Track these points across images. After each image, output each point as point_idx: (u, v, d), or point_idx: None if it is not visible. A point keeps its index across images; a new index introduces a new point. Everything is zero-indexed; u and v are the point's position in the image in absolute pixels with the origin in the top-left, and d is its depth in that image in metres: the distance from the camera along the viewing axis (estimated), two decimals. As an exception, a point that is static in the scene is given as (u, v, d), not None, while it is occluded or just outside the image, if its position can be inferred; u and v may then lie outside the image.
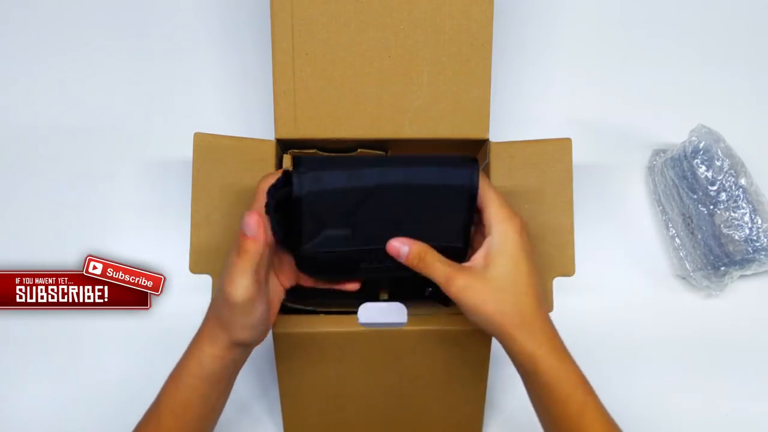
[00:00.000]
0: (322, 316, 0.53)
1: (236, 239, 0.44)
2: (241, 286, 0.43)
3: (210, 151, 0.52)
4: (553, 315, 0.60)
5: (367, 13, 0.52)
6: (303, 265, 0.48)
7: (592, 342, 0.65)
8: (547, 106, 0.69)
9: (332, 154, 0.56)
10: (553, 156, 0.53)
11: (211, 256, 0.52)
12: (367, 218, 0.46)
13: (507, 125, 0.67)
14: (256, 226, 0.43)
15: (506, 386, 0.64)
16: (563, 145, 0.53)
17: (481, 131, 0.54)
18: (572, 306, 0.65)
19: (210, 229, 0.52)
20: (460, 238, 0.48)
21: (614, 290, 0.67)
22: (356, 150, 0.56)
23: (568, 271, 0.53)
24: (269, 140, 0.53)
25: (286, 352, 0.54)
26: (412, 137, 0.53)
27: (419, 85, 0.53)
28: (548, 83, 0.70)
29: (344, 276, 0.50)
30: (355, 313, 0.53)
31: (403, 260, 0.47)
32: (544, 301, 0.48)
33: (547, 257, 0.53)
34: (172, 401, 0.47)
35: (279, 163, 0.55)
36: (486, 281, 0.45)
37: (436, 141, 0.54)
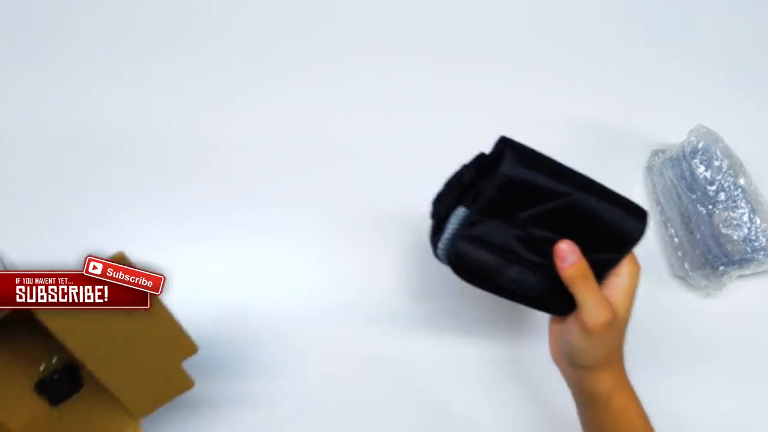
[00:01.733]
0: None
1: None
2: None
3: None
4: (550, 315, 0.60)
5: None
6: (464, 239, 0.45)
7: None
8: (547, 107, 0.69)
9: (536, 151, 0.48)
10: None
11: None
12: (540, 223, 0.45)
13: (507, 125, 0.67)
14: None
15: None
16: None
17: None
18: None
19: None
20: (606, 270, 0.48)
21: (613, 290, 0.67)
22: None
23: (191, 350, 0.49)
24: None
25: None
26: None
27: None
28: (548, 83, 0.70)
29: (492, 266, 0.46)
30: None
31: (563, 265, 0.45)
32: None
33: (166, 353, 0.49)
34: None
35: None
36: (615, 318, 0.46)
37: None
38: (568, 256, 0.45)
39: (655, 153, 0.68)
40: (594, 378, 0.49)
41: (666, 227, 0.67)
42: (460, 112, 0.69)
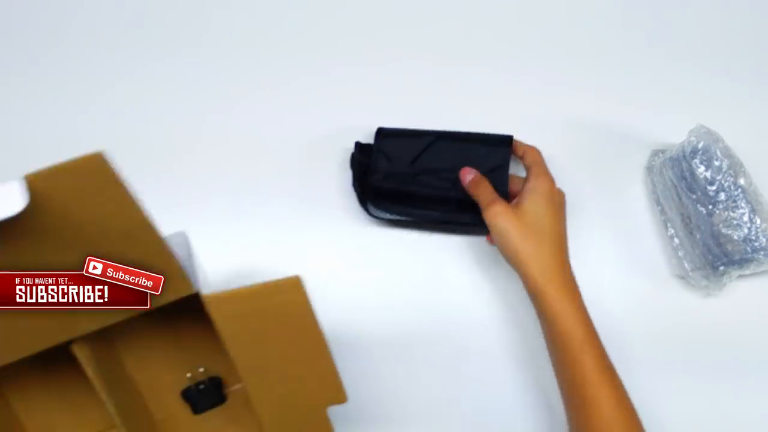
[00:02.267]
0: None
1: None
2: None
3: None
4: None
5: None
6: (373, 194, 0.64)
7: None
8: (546, 107, 0.69)
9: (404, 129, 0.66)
10: (284, 298, 0.44)
11: None
12: (428, 160, 0.64)
13: (507, 126, 0.67)
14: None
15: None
16: (292, 287, 0.44)
17: (185, 289, 0.46)
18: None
19: None
20: (505, 183, 0.62)
21: (612, 290, 0.67)
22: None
23: (340, 398, 0.48)
24: None
25: None
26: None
27: None
28: (548, 83, 0.70)
29: (404, 201, 0.63)
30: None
31: (465, 183, 0.60)
32: (567, 255, 0.57)
33: (313, 394, 0.48)
34: None
35: None
36: (517, 213, 0.56)
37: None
38: (467, 173, 0.61)
39: (655, 153, 0.68)
40: (524, 272, 0.55)
41: (666, 227, 0.67)
42: (460, 112, 0.69)
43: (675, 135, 0.67)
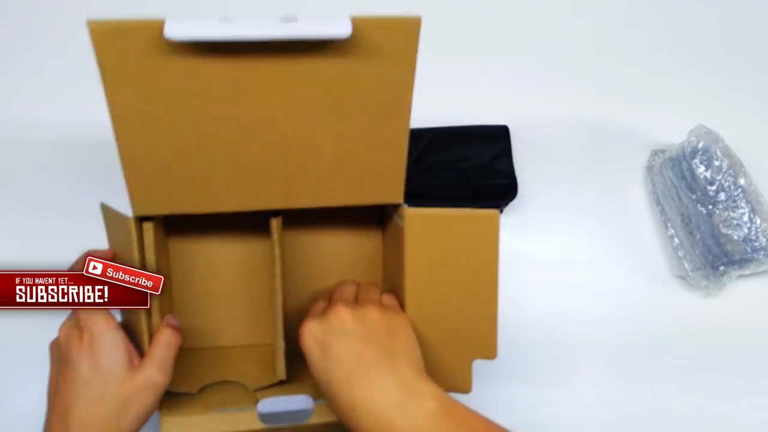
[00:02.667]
0: (216, 412, 0.47)
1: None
2: (172, 358, 0.44)
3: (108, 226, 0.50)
4: (550, 318, 0.60)
5: (243, 83, 0.41)
6: None
7: (590, 342, 0.65)
8: (546, 107, 0.69)
9: None
10: (476, 229, 0.45)
11: None
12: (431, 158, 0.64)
13: (507, 125, 0.67)
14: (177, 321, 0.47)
15: None
16: (489, 218, 0.45)
17: (395, 196, 0.46)
18: (571, 306, 0.65)
19: None
20: (511, 166, 0.64)
21: (613, 290, 0.67)
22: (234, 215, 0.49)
23: (490, 354, 0.48)
24: (125, 216, 0.46)
25: None
26: (309, 206, 0.47)
27: (317, 155, 0.44)
28: (547, 83, 0.70)
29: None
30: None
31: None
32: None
33: (465, 340, 0.48)
34: None
35: (139, 237, 0.47)
36: None
37: (341, 208, 0.48)
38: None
39: (655, 153, 0.68)
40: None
41: (666, 227, 0.67)
42: (460, 112, 0.69)
43: (675, 135, 0.67)
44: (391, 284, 0.52)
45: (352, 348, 0.42)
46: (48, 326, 0.63)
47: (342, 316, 0.44)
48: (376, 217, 0.55)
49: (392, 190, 0.46)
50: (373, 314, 0.44)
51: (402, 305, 0.47)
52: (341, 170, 0.45)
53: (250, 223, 0.53)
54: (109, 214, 0.48)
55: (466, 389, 0.48)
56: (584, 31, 0.71)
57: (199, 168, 0.44)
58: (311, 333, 0.44)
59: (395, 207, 0.48)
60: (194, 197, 0.45)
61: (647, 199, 0.69)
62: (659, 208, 0.68)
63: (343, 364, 0.42)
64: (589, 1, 0.71)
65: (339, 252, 0.56)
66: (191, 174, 0.44)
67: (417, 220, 0.45)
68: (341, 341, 0.43)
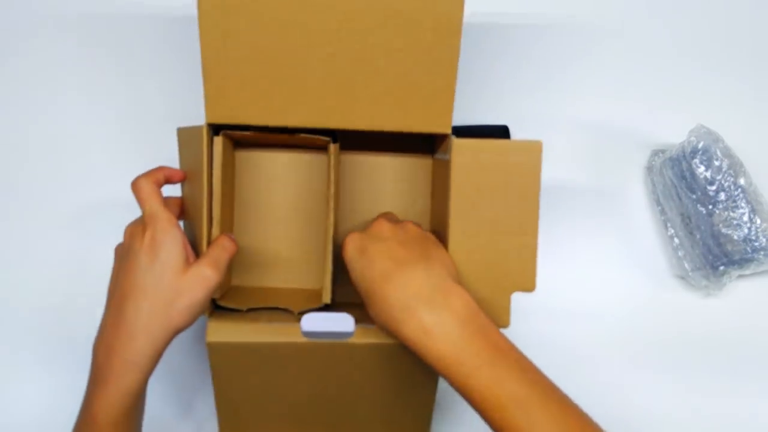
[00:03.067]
0: (262, 324, 0.50)
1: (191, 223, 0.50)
2: (226, 260, 0.48)
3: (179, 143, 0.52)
4: (549, 315, 0.60)
5: None
6: None
7: (590, 342, 0.65)
8: (545, 106, 0.69)
9: None
10: (520, 159, 0.48)
11: None
12: None
13: (506, 125, 0.67)
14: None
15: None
16: (532, 149, 0.48)
17: (443, 126, 0.49)
18: (570, 305, 0.65)
19: None
20: None
21: (613, 290, 0.67)
22: (298, 134, 0.52)
23: (528, 286, 0.49)
24: (199, 125, 0.50)
25: (222, 363, 0.50)
26: (364, 129, 0.49)
27: (373, 73, 0.47)
28: (547, 83, 0.70)
29: None
30: (288, 311, 0.51)
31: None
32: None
33: (505, 270, 0.49)
34: (111, 416, 0.44)
35: (209, 146, 0.51)
36: None
37: (392, 134, 0.50)
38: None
39: (655, 153, 0.68)
40: None
41: (666, 227, 0.67)
42: (459, 112, 0.69)
43: (675, 135, 0.67)
44: (436, 217, 0.54)
45: (389, 248, 0.46)
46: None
47: (382, 225, 0.48)
48: (429, 150, 0.58)
49: (441, 120, 0.49)
50: (411, 227, 0.48)
51: (446, 236, 0.49)
52: (393, 92, 0.48)
53: (309, 146, 0.56)
54: (183, 134, 0.52)
55: (504, 324, 0.49)
56: (583, 30, 0.71)
57: (267, 76, 0.47)
58: (352, 241, 0.48)
59: (443, 138, 0.51)
60: (262, 109, 0.48)
61: (647, 199, 0.69)
62: (659, 208, 0.68)
63: (379, 262, 0.45)
64: (589, 1, 0.71)
65: (392, 178, 0.58)
66: (260, 83, 0.48)
67: (463, 149, 0.48)
68: (379, 243, 0.46)
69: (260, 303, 0.52)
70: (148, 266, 0.45)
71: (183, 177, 0.51)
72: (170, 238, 0.45)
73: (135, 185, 0.47)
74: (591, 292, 0.66)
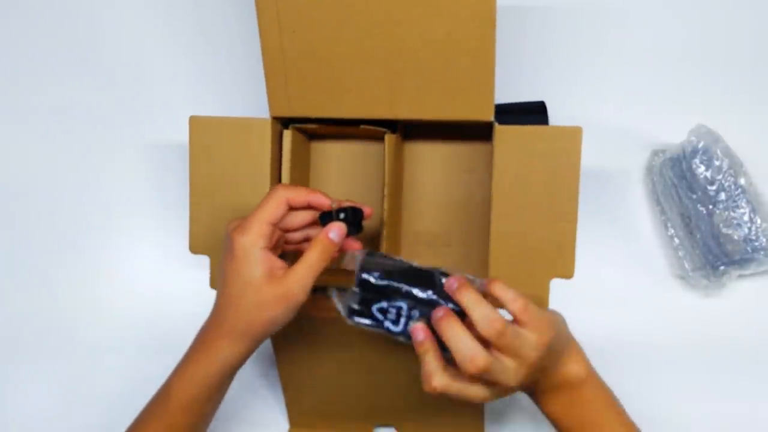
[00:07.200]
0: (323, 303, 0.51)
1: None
2: (312, 279, 0.46)
3: (206, 133, 0.53)
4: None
5: None
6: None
7: (590, 342, 0.65)
8: (545, 106, 0.69)
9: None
10: (561, 145, 0.50)
11: (209, 238, 0.53)
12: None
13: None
14: (340, 236, 0.48)
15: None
16: (572, 134, 0.50)
17: (486, 113, 0.51)
18: (570, 306, 0.65)
19: (209, 209, 0.53)
20: None
21: (613, 290, 0.67)
22: (359, 126, 0.54)
23: (567, 273, 0.51)
24: (265, 118, 0.52)
25: (283, 338, 0.54)
26: (410, 118, 0.52)
27: (415, 64, 0.50)
28: (547, 82, 0.70)
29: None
30: None
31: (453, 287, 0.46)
32: None
33: (544, 256, 0.51)
34: (185, 396, 0.47)
35: (278, 140, 0.54)
36: None
37: (438, 122, 0.52)
38: (453, 282, 0.45)
39: (655, 153, 0.68)
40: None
41: (666, 227, 0.67)
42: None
43: (675, 135, 0.67)
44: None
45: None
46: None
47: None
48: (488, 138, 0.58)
49: (483, 107, 0.50)
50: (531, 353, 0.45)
51: (488, 221, 0.51)
52: (436, 82, 0.50)
53: (369, 137, 0.58)
54: (214, 124, 0.53)
55: (544, 305, 0.52)
56: (583, 31, 0.71)
57: (321, 70, 0.50)
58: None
59: (488, 126, 0.52)
60: (321, 102, 0.51)
61: (647, 199, 0.69)
62: (659, 208, 0.68)
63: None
64: (589, 1, 0.71)
65: (455, 169, 0.60)
66: (316, 77, 0.50)
67: (506, 135, 0.50)
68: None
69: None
70: (232, 278, 0.46)
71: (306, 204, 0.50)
72: (252, 257, 0.45)
73: (272, 192, 0.48)
74: (590, 292, 0.66)
